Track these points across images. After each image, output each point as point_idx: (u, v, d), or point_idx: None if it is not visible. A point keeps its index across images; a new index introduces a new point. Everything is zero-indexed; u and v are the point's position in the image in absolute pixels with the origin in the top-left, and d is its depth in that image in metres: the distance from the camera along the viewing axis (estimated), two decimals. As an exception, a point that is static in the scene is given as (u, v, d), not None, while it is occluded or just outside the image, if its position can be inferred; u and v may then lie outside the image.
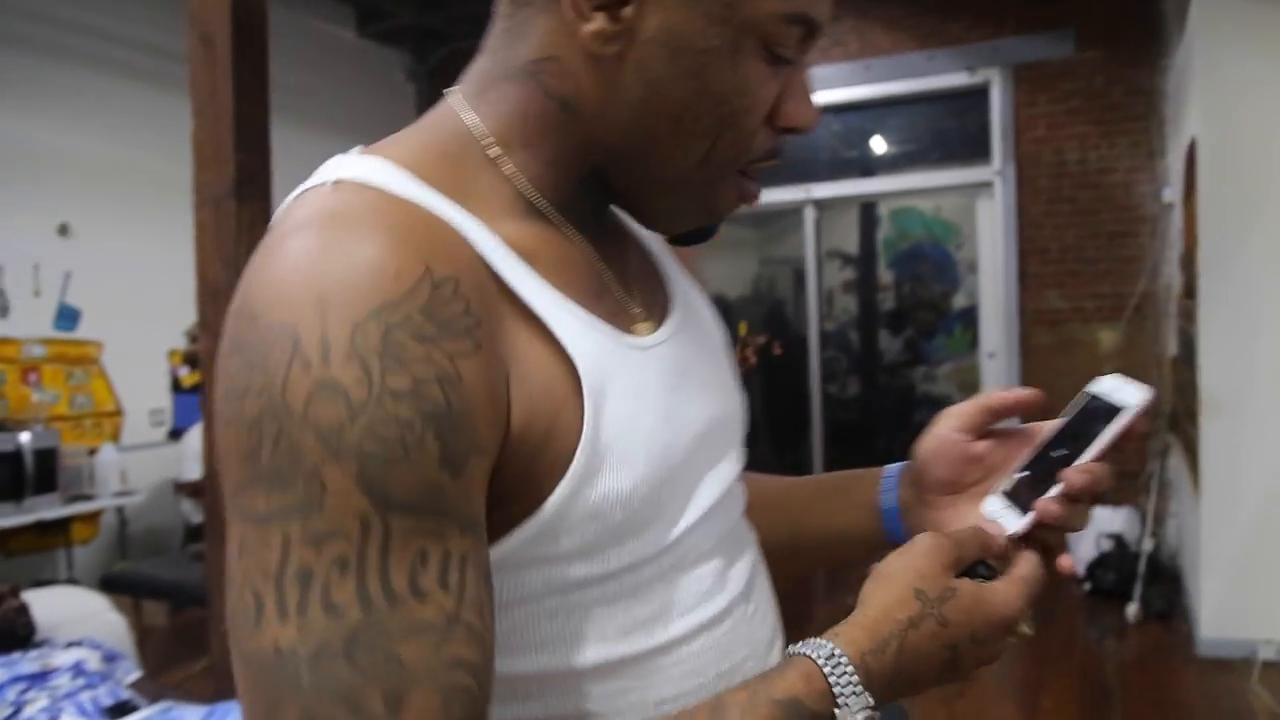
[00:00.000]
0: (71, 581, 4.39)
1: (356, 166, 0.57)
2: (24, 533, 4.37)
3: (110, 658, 2.66)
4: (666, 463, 0.60)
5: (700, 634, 0.63)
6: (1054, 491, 0.66)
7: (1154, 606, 4.43)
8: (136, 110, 5.15)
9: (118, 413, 5.10)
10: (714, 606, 0.64)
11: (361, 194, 0.54)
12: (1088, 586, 4.82)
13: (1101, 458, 0.66)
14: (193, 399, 5.49)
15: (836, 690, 0.53)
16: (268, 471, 0.47)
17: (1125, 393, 0.70)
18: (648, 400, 0.61)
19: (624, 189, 0.66)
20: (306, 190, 0.57)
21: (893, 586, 0.59)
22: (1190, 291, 4.16)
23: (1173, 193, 4.93)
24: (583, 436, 0.56)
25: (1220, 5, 3.77)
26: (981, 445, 0.74)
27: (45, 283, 4.73)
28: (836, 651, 0.54)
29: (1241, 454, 3.84)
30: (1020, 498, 0.68)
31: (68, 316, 4.85)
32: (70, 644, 2.63)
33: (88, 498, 4.56)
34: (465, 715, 0.47)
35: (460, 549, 0.49)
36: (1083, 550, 5.00)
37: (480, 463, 0.51)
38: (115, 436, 5.03)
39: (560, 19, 0.59)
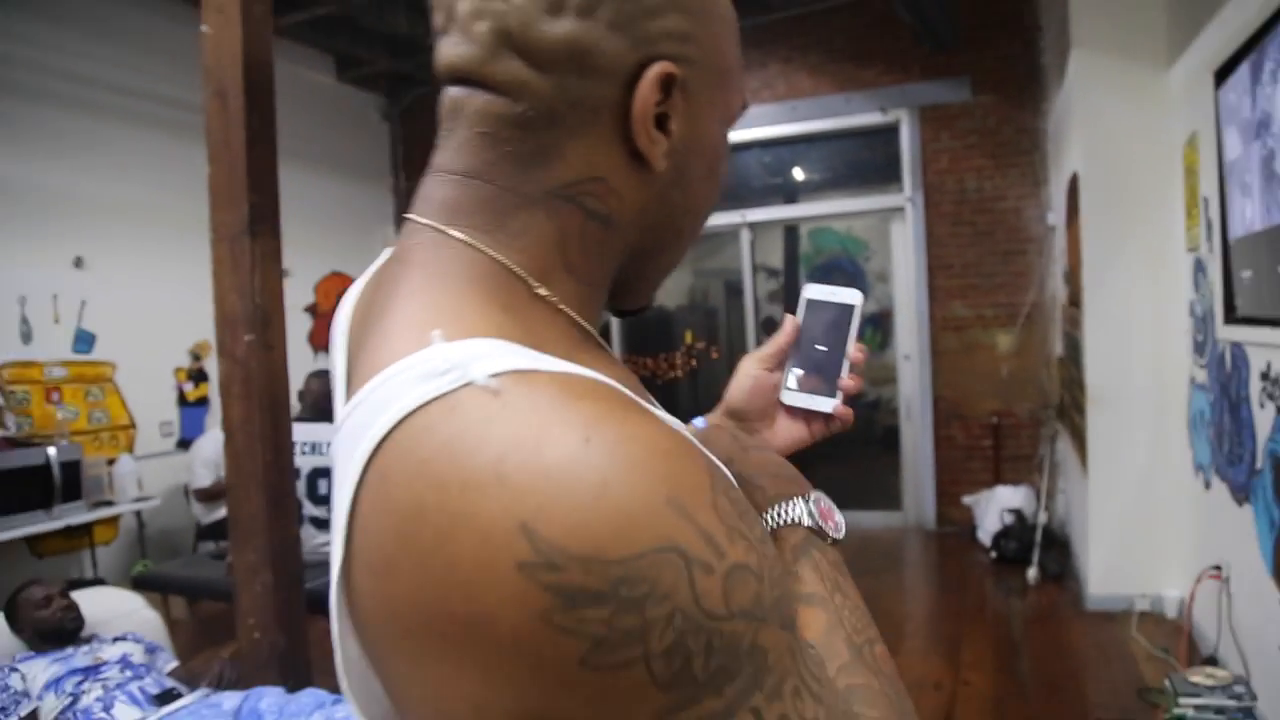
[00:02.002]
0: (98, 580, 4.34)
1: (488, 358, 0.44)
2: (52, 537, 4.29)
3: (151, 650, 2.63)
4: None
5: None
6: (846, 371, 0.78)
7: (1049, 570, 4.58)
8: (144, 153, 5.06)
9: (131, 426, 5.00)
10: None
11: (547, 383, 0.44)
12: (994, 555, 4.97)
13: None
14: (197, 410, 5.44)
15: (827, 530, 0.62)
16: (709, 677, 0.42)
17: (843, 294, 0.80)
18: None
19: (627, 280, 0.61)
20: (440, 400, 0.43)
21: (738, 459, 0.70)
22: (1075, 301, 4.30)
23: (1055, 217, 5.08)
24: None
25: (1094, 62, 3.90)
26: (776, 374, 0.81)
27: (63, 310, 4.63)
28: (804, 521, 0.63)
29: (1121, 438, 3.97)
30: (809, 386, 0.79)
31: (84, 340, 4.75)
32: (116, 639, 2.59)
33: (109, 504, 4.48)
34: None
35: None
36: (989, 524, 5.18)
37: None
38: (130, 447, 4.94)
39: (600, 139, 0.53)
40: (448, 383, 0.43)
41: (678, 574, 0.40)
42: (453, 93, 0.54)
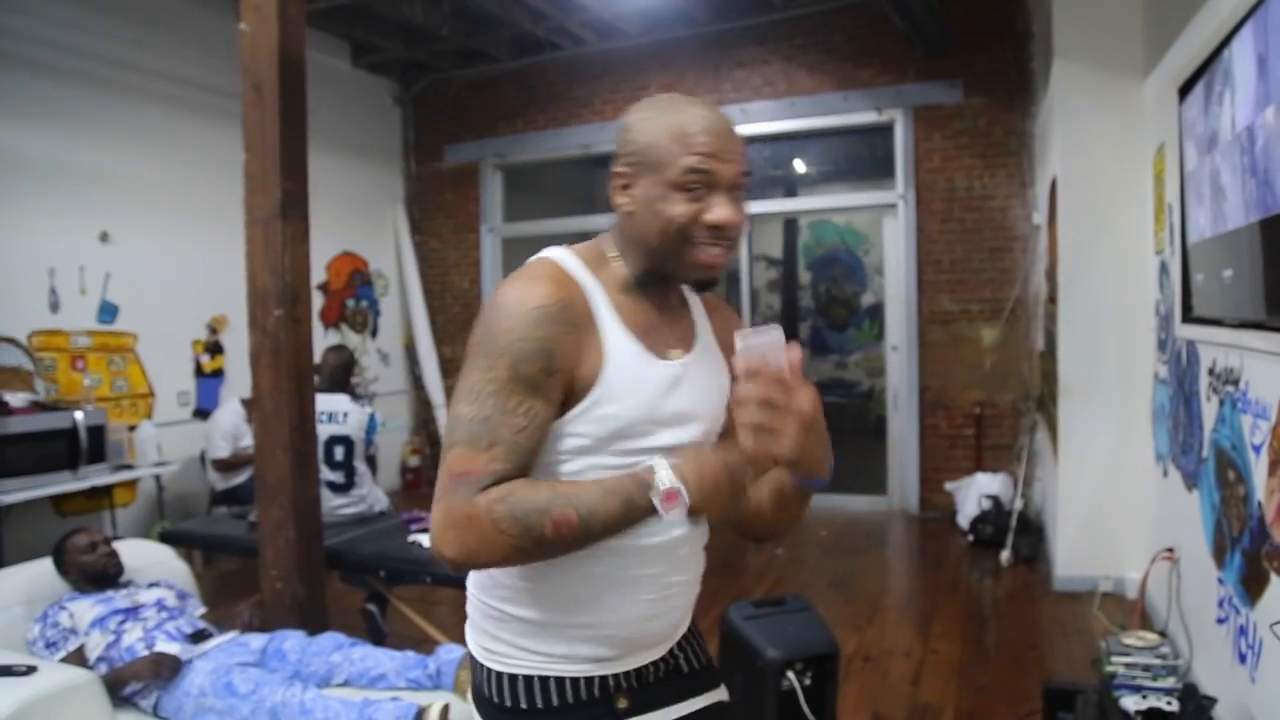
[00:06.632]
0: (117, 539, 4.58)
1: (557, 253, 1.14)
2: (76, 496, 4.54)
3: (182, 596, 2.87)
4: (645, 415, 1.09)
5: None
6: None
7: (1022, 553, 4.82)
8: (170, 135, 5.30)
9: (150, 394, 5.25)
10: None
11: (550, 264, 1.12)
12: (971, 538, 5.21)
13: None
14: (213, 381, 5.67)
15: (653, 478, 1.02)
16: (481, 352, 1.02)
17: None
18: (647, 383, 1.09)
19: (658, 266, 1.12)
20: (542, 256, 1.14)
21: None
22: (1053, 298, 4.53)
23: (1040, 216, 5.28)
24: (597, 383, 1.06)
25: (1074, 72, 4.12)
26: None
27: (89, 282, 4.88)
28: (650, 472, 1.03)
29: (1090, 429, 4.20)
30: None
31: (108, 311, 4.99)
32: (151, 584, 2.82)
33: (130, 467, 4.73)
34: (514, 463, 1.00)
35: (539, 409, 1.02)
36: (968, 509, 5.42)
37: (561, 376, 1.03)
38: (149, 414, 5.19)
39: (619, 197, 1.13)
40: (538, 256, 1.14)
41: (499, 318, 1.02)
42: None
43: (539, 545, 0.97)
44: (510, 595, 1.12)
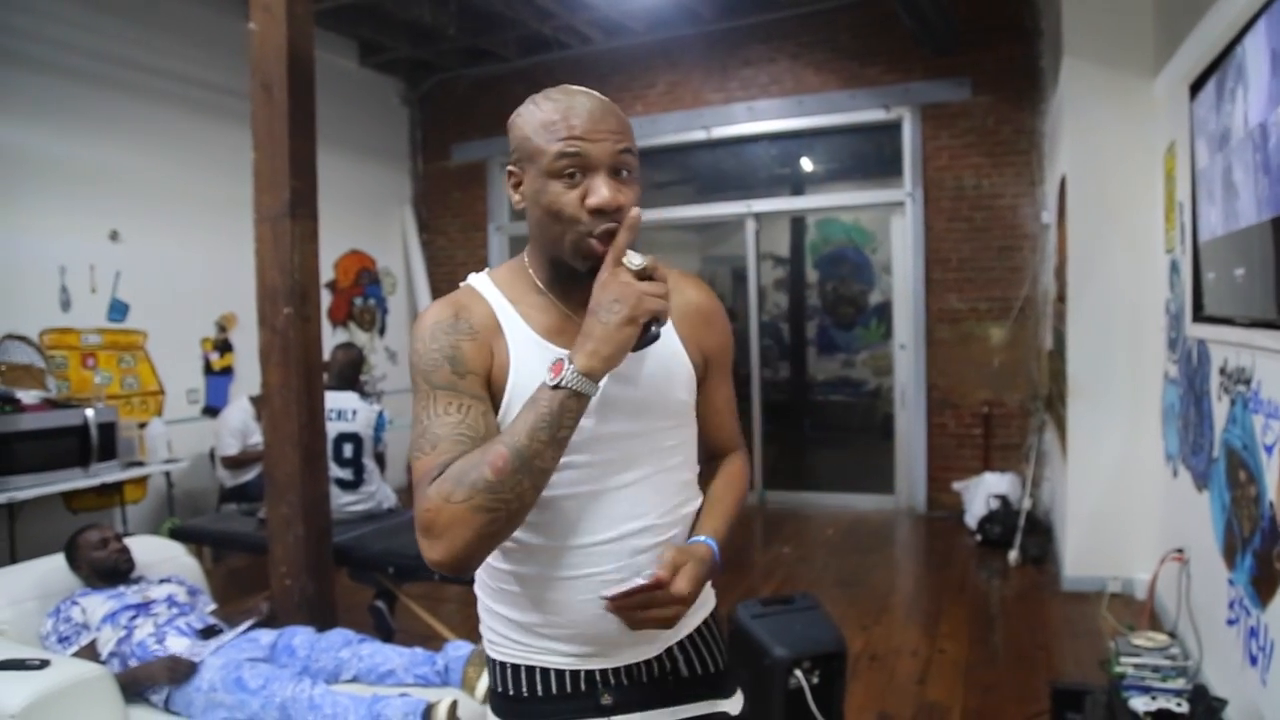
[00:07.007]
0: (128, 535, 4.59)
1: (472, 276, 1.19)
2: (86, 493, 4.56)
3: (193, 591, 2.88)
4: None
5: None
6: None
7: (1030, 553, 4.80)
8: (178, 134, 5.32)
9: (160, 392, 5.27)
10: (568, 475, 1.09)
11: (465, 288, 1.18)
12: (979, 538, 5.19)
13: None
14: (222, 379, 5.68)
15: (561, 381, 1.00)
16: (413, 382, 1.10)
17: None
18: None
19: (559, 258, 1.11)
20: (465, 281, 1.19)
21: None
22: (1062, 297, 4.51)
23: (1049, 215, 5.26)
24: (506, 389, 1.09)
25: (1084, 70, 4.10)
26: None
27: (100, 281, 4.89)
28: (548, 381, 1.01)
29: (1099, 429, 4.18)
30: None
31: (118, 309, 5.01)
32: (162, 580, 2.84)
33: (140, 464, 4.75)
34: (459, 451, 1.00)
35: (468, 404, 1.05)
36: (975, 509, 5.40)
37: (476, 376, 1.08)
38: (159, 412, 5.20)
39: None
40: (463, 282, 1.19)
41: (414, 346, 1.11)
42: None
43: (495, 494, 0.95)
44: (489, 593, 1.18)
